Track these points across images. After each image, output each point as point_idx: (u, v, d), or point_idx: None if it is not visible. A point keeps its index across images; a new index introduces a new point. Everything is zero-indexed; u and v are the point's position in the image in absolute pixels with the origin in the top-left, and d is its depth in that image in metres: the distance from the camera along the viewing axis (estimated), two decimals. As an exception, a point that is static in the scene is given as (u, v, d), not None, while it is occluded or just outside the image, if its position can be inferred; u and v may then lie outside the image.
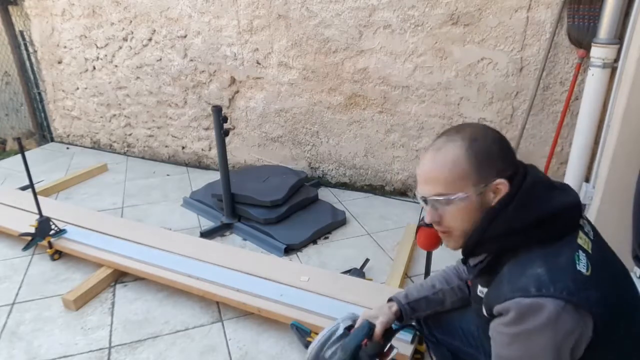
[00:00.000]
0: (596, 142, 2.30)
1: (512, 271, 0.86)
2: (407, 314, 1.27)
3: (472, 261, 0.99)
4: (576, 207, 0.91)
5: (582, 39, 2.29)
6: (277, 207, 2.67)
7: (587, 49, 2.26)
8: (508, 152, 0.92)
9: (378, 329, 1.18)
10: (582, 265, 0.83)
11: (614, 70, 2.14)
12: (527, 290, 0.80)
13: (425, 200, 0.95)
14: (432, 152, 0.94)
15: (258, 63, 3.17)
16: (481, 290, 0.98)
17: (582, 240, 0.89)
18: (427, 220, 0.98)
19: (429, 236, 1.25)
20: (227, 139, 2.62)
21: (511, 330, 0.83)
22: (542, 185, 0.91)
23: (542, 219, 0.86)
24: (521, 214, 0.87)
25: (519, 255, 0.87)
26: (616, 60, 2.14)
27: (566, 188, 0.94)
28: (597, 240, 0.93)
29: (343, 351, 1.14)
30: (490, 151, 0.90)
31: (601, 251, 0.91)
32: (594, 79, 2.22)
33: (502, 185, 0.89)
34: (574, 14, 2.28)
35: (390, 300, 1.31)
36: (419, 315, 1.31)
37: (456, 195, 0.90)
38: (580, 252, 0.85)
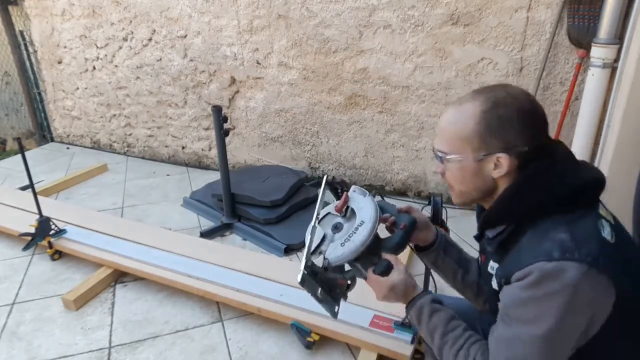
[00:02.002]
0: (596, 142, 2.30)
1: (532, 239, 0.83)
2: (439, 247, 1.16)
3: (491, 233, 0.94)
4: (601, 181, 0.87)
5: (582, 39, 2.29)
6: (277, 207, 2.67)
7: (587, 49, 2.26)
8: (532, 127, 0.86)
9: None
10: (607, 233, 0.81)
11: (614, 70, 2.14)
12: (550, 254, 0.77)
13: (433, 150, 0.95)
14: (453, 106, 0.92)
15: (258, 63, 3.17)
16: (492, 266, 0.95)
17: (604, 212, 0.87)
18: (433, 168, 0.97)
19: None
20: (227, 139, 2.62)
21: (528, 292, 0.80)
22: (571, 161, 0.89)
23: (570, 193, 0.83)
24: (550, 187, 0.84)
25: (539, 225, 0.84)
26: (616, 60, 2.14)
27: (589, 165, 0.92)
28: (617, 220, 0.91)
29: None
30: (507, 121, 0.84)
31: (623, 229, 0.90)
32: (594, 79, 2.22)
33: (503, 160, 0.85)
34: (574, 14, 2.28)
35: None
36: (439, 262, 1.18)
37: (452, 155, 0.89)
38: (604, 221, 0.83)
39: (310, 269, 1.01)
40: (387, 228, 1.12)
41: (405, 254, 2.30)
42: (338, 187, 1.20)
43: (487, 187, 0.91)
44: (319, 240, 1.06)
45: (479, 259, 1.08)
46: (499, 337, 0.86)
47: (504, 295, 0.86)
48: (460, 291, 1.20)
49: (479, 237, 1.01)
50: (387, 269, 0.99)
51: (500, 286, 0.89)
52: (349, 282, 1.07)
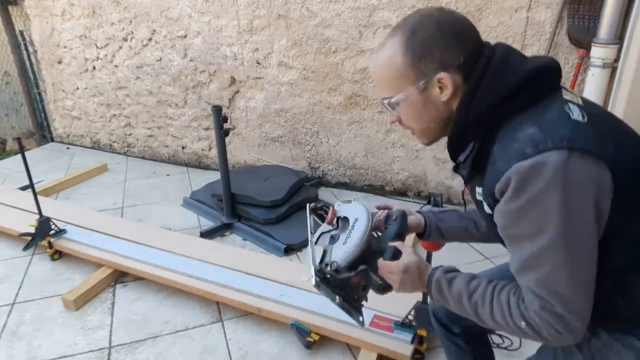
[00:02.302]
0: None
1: (502, 145, 0.78)
2: (430, 234, 1.14)
3: (462, 156, 0.89)
4: (555, 67, 0.82)
5: (582, 39, 2.28)
6: (277, 207, 2.67)
7: (587, 49, 2.26)
8: (458, 37, 0.83)
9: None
10: (577, 115, 0.76)
11: (614, 70, 2.14)
12: (523, 152, 0.72)
13: (382, 103, 0.92)
14: (377, 51, 0.89)
15: (258, 63, 3.17)
16: (478, 192, 0.89)
17: (569, 95, 0.81)
18: (389, 120, 0.94)
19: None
20: (227, 139, 2.62)
21: (515, 203, 0.73)
22: (514, 53, 0.84)
23: (521, 82, 0.78)
24: (498, 84, 0.79)
25: (504, 129, 0.79)
26: (616, 60, 2.14)
27: (540, 55, 0.88)
28: (588, 101, 0.85)
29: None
30: (430, 41, 0.81)
31: (596, 107, 0.84)
32: (594, 79, 2.21)
33: (445, 80, 0.81)
34: (574, 14, 2.28)
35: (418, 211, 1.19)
36: (445, 233, 1.15)
37: (397, 96, 0.86)
38: (570, 104, 0.78)
39: (321, 274, 1.00)
40: (381, 227, 1.11)
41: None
42: (322, 212, 1.20)
43: (443, 115, 0.87)
44: (320, 257, 1.04)
45: (464, 191, 1.02)
46: (518, 265, 0.79)
47: (497, 218, 0.80)
48: (488, 241, 1.13)
49: (455, 168, 0.96)
50: (395, 254, 0.98)
51: (491, 208, 0.83)
52: (363, 283, 1.05)
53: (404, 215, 1.08)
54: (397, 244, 0.99)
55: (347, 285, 1.02)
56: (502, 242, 0.86)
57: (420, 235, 1.16)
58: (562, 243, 0.72)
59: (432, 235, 1.15)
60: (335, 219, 1.10)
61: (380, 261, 0.98)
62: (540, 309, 0.75)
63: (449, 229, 1.15)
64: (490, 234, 0.92)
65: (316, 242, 1.11)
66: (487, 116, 0.80)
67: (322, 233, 1.13)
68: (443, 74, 0.81)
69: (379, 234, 1.11)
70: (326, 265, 1.00)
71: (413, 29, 0.83)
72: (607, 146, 0.73)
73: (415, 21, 0.84)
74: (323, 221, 1.17)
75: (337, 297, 1.00)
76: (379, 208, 1.14)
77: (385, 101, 0.89)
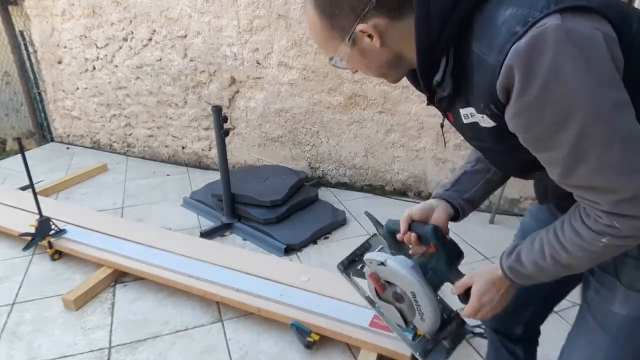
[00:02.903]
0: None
1: (483, 39, 0.67)
2: (454, 199, 1.03)
3: (438, 76, 0.77)
4: None
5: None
6: (277, 207, 2.67)
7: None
8: None
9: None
10: None
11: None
12: (513, 33, 0.62)
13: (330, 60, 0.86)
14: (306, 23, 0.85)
15: (258, 63, 3.17)
16: (466, 114, 0.77)
17: None
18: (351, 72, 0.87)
19: None
20: (227, 139, 2.62)
21: (529, 94, 0.63)
22: None
23: None
24: None
25: (478, 23, 0.69)
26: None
27: None
28: None
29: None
30: None
31: None
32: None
33: (366, 29, 0.74)
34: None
35: (435, 197, 1.06)
36: (474, 200, 1.05)
37: (335, 57, 0.82)
38: None
39: (432, 342, 0.99)
40: (415, 245, 1.01)
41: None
42: (355, 263, 1.12)
43: (389, 57, 0.80)
44: (399, 317, 1.02)
45: (443, 123, 0.92)
46: (562, 169, 0.68)
47: (513, 125, 0.69)
48: (507, 175, 1.07)
49: (431, 99, 0.85)
50: (458, 274, 0.95)
51: (497, 117, 0.71)
52: (451, 314, 1.04)
53: (436, 234, 0.95)
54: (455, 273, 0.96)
55: (449, 333, 1.02)
56: (518, 163, 0.79)
57: (455, 218, 1.05)
58: (600, 112, 0.62)
59: (465, 212, 1.04)
60: (382, 288, 1.02)
61: (458, 284, 0.94)
62: (612, 206, 0.66)
63: (474, 194, 1.05)
64: (503, 159, 0.82)
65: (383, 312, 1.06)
66: (452, 17, 0.69)
67: (377, 305, 1.07)
68: (361, 25, 0.74)
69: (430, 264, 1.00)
70: (413, 327, 0.98)
71: None
72: (592, 1, 0.64)
73: None
74: (355, 264, 1.11)
75: (448, 346, 0.99)
76: (401, 228, 1.02)
77: (331, 62, 0.85)
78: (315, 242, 2.57)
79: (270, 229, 2.57)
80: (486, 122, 0.73)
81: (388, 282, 1.02)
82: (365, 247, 1.15)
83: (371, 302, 1.10)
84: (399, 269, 0.96)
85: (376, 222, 1.10)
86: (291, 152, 3.38)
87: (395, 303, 1.03)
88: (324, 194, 3.18)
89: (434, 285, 0.97)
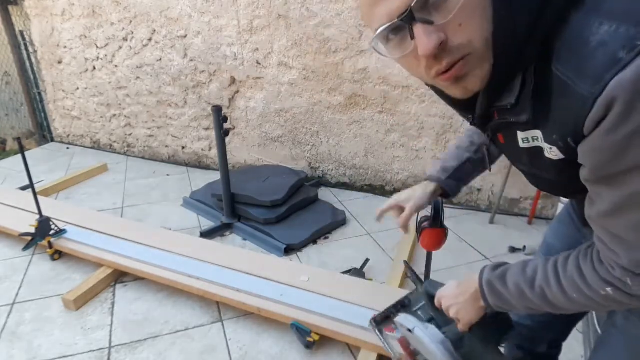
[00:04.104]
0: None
1: (568, 62, 0.56)
2: (452, 190, 1.07)
3: (512, 98, 0.64)
4: None
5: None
6: (277, 207, 2.67)
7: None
8: None
9: (406, 214, 1.03)
10: None
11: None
12: (616, 60, 0.50)
13: (409, 18, 0.57)
14: None
15: (258, 63, 3.17)
16: (526, 137, 0.67)
17: None
18: (425, 48, 0.57)
19: (432, 236, 1.26)
20: (227, 139, 2.62)
21: (622, 131, 0.52)
22: None
23: None
24: None
25: (561, 39, 0.57)
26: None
27: None
28: None
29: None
30: None
31: None
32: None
33: None
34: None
35: (433, 181, 1.10)
36: (466, 184, 1.08)
37: None
38: None
39: None
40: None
41: (405, 254, 2.30)
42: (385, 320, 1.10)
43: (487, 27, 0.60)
44: None
45: (489, 145, 0.81)
46: (610, 207, 0.60)
47: (588, 158, 0.59)
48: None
49: (481, 120, 0.71)
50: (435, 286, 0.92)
51: (567, 150, 0.61)
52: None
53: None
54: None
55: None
56: (564, 190, 0.73)
57: (446, 195, 1.09)
58: None
59: (457, 195, 1.09)
60: (411, 352, 0.98)
61: (438, 294, 0.91)
62: (631, 263, 0.61)
63: (470, 179, 1.08)
64: (552, 185, 0.73)
65: None
66: (539, 23, 0.57)
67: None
68: None
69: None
70: None
71: None
72: None
73: None
74: (389, 321, 1.08)
75: None
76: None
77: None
78: (315, 242, 2.57)
79: (270, 229, 2.57)
80: (553, 153, 0.64)
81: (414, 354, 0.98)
82: (403, 304, 1.06)
83: None
84: (427, 342, 0.87)
85: (416, 278, 1.05)
86: (291, 152, 3.38)
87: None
88: (324, 194, 3.18)
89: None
